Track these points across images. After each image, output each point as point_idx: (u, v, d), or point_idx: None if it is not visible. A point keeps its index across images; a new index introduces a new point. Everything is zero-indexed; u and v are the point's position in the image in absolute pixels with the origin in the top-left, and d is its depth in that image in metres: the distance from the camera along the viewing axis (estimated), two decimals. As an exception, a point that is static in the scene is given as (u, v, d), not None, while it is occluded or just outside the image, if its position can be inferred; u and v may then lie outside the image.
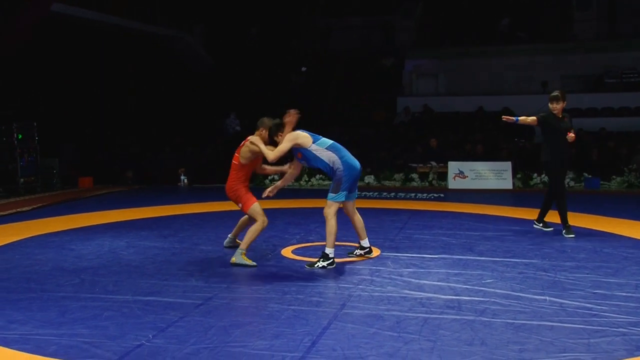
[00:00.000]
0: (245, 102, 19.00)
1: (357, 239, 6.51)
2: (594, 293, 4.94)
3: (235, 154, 6.39)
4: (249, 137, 6.34)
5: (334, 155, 5.93)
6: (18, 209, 10.43)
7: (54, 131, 15.24)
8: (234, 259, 6.13)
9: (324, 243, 7.07)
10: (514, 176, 13.93)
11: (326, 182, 14.40)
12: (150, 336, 4.01)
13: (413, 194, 12.68)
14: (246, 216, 6.64)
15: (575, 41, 19.57)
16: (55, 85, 16.57)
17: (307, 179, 14.79)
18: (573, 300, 4.72)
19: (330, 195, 5.96)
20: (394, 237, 7.56)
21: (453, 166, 14.08)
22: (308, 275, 5.64)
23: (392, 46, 21.40)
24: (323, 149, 5.95)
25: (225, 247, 6.94)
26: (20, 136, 13.04)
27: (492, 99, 18.37)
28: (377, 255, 6.49)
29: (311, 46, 21.78)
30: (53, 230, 8.31)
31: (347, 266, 6.02)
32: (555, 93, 7.68)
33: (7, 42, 13.24)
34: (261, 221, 6.20)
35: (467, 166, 14.06)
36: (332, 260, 5.96)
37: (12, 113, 13.42)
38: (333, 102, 19.28)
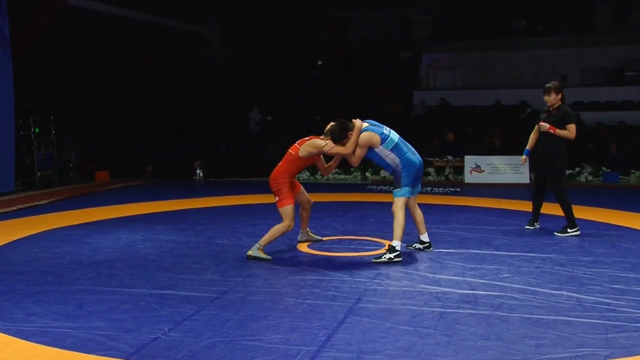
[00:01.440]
0: (263, 96, 19.04)
1: (369, 232, 6.50)
2: (612, 288, 4.89)
3: (295, 145, 6.28)
4: (313, 137, 6.29)
5: (396, 157, 6.04)
6: (35, 203, 10.54)
7: (71, 124, 15.39)
8: (250, 252, 6.14)
9: (340, 237, 7.11)
10: (531, 170, 13.83)
11: (342, 176, 14.40)
12: (167, 329, 4.04)
13: (429, 188, 12.63)
14: (301, 208, 6.69)
15: (595, 34, 19.34)
16: (73, 79, 16.72)
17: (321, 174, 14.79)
18: (590, 295, 4.69)
19: (395, 192, 6.08)
20: (409, 231, 7.52)
21: (469, 160, 14.00)
22: (323, 269, 5.65)
23: (410, 39, 21.32)
24: (388, 150, 6.03)
25: (300, 241, 6.85)
26: (37, 130, 13.18)
27: (510, 92, 18.25)
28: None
29: (329, 39, 21.74)
30: (70, 223, 8.40)
31: (363, 260, 6.02)
32: (547, 85, 7.40)
33: (25, 36, 13.37)
34: (287, 224, 6.11)
35: (483, 160, 13.98)
36: (398, 252, 5.97)
37: (29, 107, 13.56)
38: (350, 95, 19.25)
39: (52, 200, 10.96)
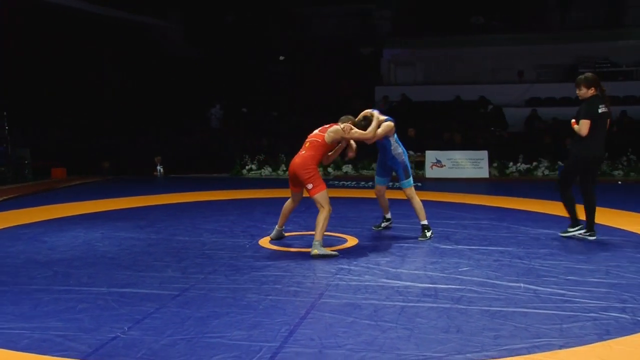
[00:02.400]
0: (224, 92, 18.90)
1: (330, 228, 6.68)
2: (567, 279, 5.02)
3: (319, 133, 6.30)
4: (332, 124, 6.39)
5: (399, 147, 6.87)
6: (-10, 201, 10.27)
7: (26, 120, 15.00)
8: (315, 251, 5.97)
9: (302, 233, 7.11)
10: (490, 165, 14.07)
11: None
12: (126, 328, 3.98)
13: (391, 183, 12.70)
14: (288, 203, 6.63)
15: (549, 31, 19.76)
16: (28, 73, 16.28)
17: (284, 169, 14.77)
18: (546, 287, 4.79)
19: (405, 182, 6.87)
20: (371, 226, 7.59)
21: (430, 155, 14.18)
22: (286, 265, 5.64)
23: (370, 35, 21.41)
24: (396, 142, 6.83)
25: (272, 239, 6.74)
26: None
27: (469, 88, 18.52)
28: (355, 245, 6.51)
29: (289, 35, 21.70)
30: (25, 222, 8.19)
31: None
32: (578, 77, 6.82)
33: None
34: (328, 209, 6.09)
35: (444, 155, 14.17)
36: (431, 230, 6.88)
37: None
38: (311, 90, 19.25)
39: (5, 197, 10.67)
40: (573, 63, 18.95)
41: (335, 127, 6.34)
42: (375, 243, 6.55)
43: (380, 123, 6.58)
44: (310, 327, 3.96)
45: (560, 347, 3.60)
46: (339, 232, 7.16)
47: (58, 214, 8.81)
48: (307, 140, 6.36)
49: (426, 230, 6.83)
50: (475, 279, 5.08)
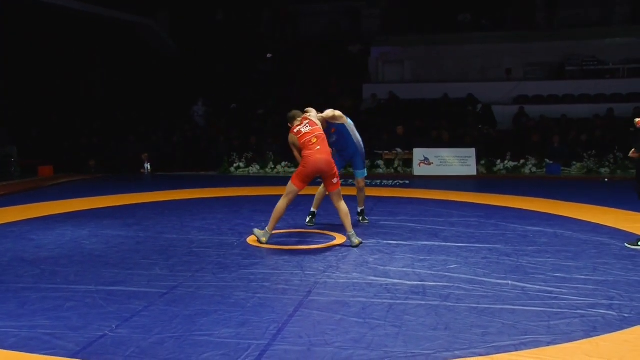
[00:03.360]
0: (212, 89, 18.83)
1: (319, 225, 7.27)
2: (555, 276, 5.05)
3: (317, 128, 6.33)
4: (309, 112, 6.53)
5: (356, 132, 7.16)
6: (-25, 199, 10.17)
7: (13, 118, 14.88)
8: (356, 241, 6.23)
9: (289, 230, 7.11)
10: (477, 163, 14.12)
11: (292, 170, 14.38)
12: (114, 326, 3.96)
13: (379, 181, 12.75)
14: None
15: (537, 29, 19.85)
16: (16, 71, 16.15)
17: (272, 166, 14.75)
18: (534, 284, 4.82)
19: (361, 172, 7.35)
20: (359, 223, 7.60)
21: (418, 153, 14.20)
22: (274, 263, 5.64)
23: (358, 33, 21.40)
24: (352, 126, 7.10)
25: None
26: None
27: (457, 86, 18.55)
28: (343, 242, 6.52)
29: (278, 33, 21.65)
30: (11, 220, 8.12)
31: (313, 253, 6.04)
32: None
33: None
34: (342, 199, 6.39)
35: (432, 153, 14.20)
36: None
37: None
38: (300, 89, 19.23)
39: (-8, 195, 10.58)
40: (561, 61, 19.04)
41: (313, 115, 6.50)
42: (363, 241, 6.55)
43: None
44: (299, 325, 3.96)
45: (548, 344, 3.63)
46: (326, 230, 7.16)
47: (45, 212, 8.74)
48: (309, 134, 6.27)
49: (362, 215, 7.58)
50: (463, 276, 5.10)
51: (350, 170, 7.53)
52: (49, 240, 6.76)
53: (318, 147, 6.20)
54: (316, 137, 6.26)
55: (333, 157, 6.79)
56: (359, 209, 7.60)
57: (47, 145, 15.69)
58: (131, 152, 15.14)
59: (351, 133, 7.11)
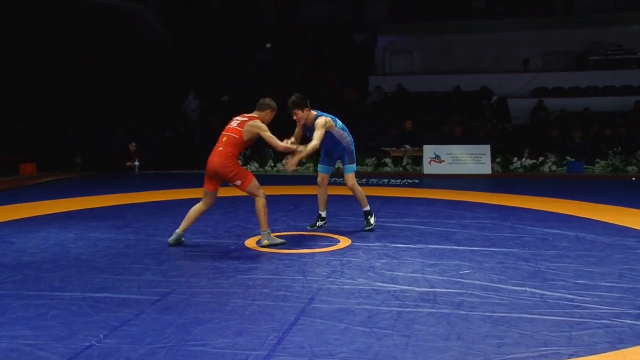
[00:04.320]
0: (205, 81, 18.83)
1: (322, 228, 7.28)
2: (576, 283, 5.04)
3: (237, 128, 6.37)
4: (253, 116, 6.45)
5: (345, 133, 7.10)
6: (-47, 199, 10.19)
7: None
8: (265, 242, 6.41)
9: (291, 233, 7.12)
10: (493, 160, 14.12)
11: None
12: (102, 336, 3.96)
13: (386, 180, 12.75)
14: (197, 207, 6.60)
15: (557, 16, 19.78)
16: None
17: (272, 164, 14.76)
18: (554, 291, 4.81)
19: (350, 167, 7.17)
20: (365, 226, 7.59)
21: (428, 150, 14.20)
22: (274, 268, 5.64)
23: (363, 21, 21.38)
24: (341, 130, 7.04)
25: (170, 244, 6.56)
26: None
27: (470, 77, 18.55)
28: (348, 246, 6.52)
29: (277, 21, 21.64)
30: (-8, 221, 8.15)
31: (316, 257, 6.04)
32: None
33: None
34: (262, 195, 6.46)
35: (443, 150, 14.20)
36: (374, 215, 7.41)
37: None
38: (300, 81, 19.23)
39: (-29, 195, 10.61)
40: (583, 50, 19.01)
41: (254, 121, 6.40)
42: (370, 244, 6.56)
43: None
44: (300, 334, 3.96)
45: (569, 356, 3.62)
46: (330, 233, 7.17)
47: (27, 213, 8.76)
48: (223, 133, 6.46)
49: (369, 217, 7.29)
50: (477, 282, 5.10)
51: (341, 168, 7.45)
52: (32, 244, 6.77)
53: (220, 149, 6.34)
54: (226, 137, 6.39)
55: (323, 161, 7.12)
56: (364, 210, 7.36)
57: (30, 141, 15.71)
58: (119, 148, 15.17)
59: (338, 137, 7.03)
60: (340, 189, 11.15)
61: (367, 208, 7.32)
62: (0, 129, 15.10)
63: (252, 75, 19.65)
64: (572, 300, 4.60)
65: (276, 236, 6.64)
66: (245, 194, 6.59)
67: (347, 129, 7.16)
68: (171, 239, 6.62)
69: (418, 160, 14.47)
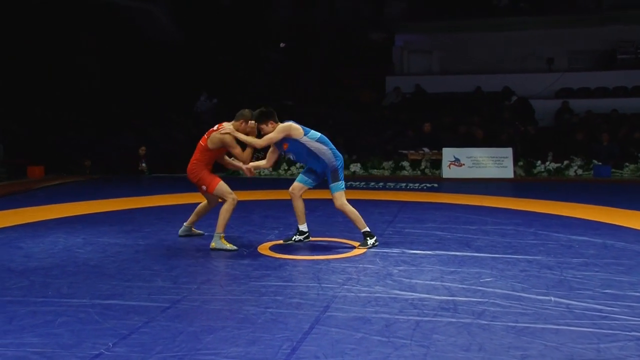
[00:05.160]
0: (217, 81, 18.89)
1: (337, 233, 7.16)
2: (604, 293, 4.99)
3: (204, 136, 6.77)
4: (223, 123, 6.73)
5: (323, 146, 6.61)
6: (-41, 202, 10.30)
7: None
8: (213, 244, 6.54)
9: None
10: (515, 164, 14.05)
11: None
12: (111, 344, 3.98)
13: (404, 184, 12.73)
14: (204, 203, 7.14)
15: (583, 13, 19.61)
16: (0, 62, 16.32)
17: (286, 168, 14.78)
18: (581, 301, 4.77)
19: (334, 186, 6.66)
20: (382, 231, 7.58)
21: (448, 153, 14.16)
22: (288, 275, 5.64)
23: (381, 19, 21.38)
24: (313, 140, 6.58)
25: (180, 235, 7.33)
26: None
27: (492, 78, 18.48)
28: (364, 252, 6.51)
29: (292, 19, 21.68)
30: (-1, 225, 8.23)
31: (331, 264, 6.04)
32: None
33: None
34: (231, 199, 6.67)
35: (463, 153, 14.15)
36: (375, 237, 6.78)
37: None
38: (316, 81, 19.26)
39: (-23, 199, 10.71)
40: (610, 48, 18.86)
41: (221, 130, 6.67)
42: (387, 250, 6.54)
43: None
44: (315, 344, 3.96)
45: (596, 368, 3.59)
46: (345, 239, 7.16)
47: (35, 218, 8.83)
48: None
49: (368, 238, 6.72)
50: (498, 291, 5.07)
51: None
52: (40, 249, 6.82)
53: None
54: (198, 144, 6.82)
55: (303, 172, 6.94)
56: (362, 232, 6.78)
57: (38, 143, 15.83)
58: (129, 151, 15.27)
59: (314, 149, 6.57)
60: (355, 193, 11.14)
61: (366, 229, 6.74)
62: (8, 131, 15.23)
63: (267, 75, 19.70)
64: (600, 310, 4.56)
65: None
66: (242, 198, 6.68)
67: (330, 144, 6.66)
68: (181, 230, 7.36)
69: (437, 164, 14.43)
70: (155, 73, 19.32)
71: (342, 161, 6.79)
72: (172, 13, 20.73)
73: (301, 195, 6.88)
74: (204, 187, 6.77)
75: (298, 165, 14.66)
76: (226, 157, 7.06)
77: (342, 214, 6.86)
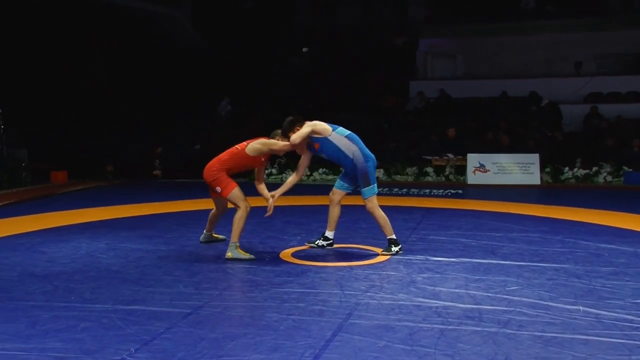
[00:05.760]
0: (239, 87, 18.98)
1: (360, 240, 7.10)
2: (635, 303, 4.93)
3: (243, 143, 6.69)
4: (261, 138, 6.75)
5: (353, 145, 6.57)
6: (-17, 207, 10.45)
7: (22, 118, 15.22)
8: (229, 254, 6.48)
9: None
10: (542, 170, 13.93)
11: (330, 177, 14.41)
12: (133, 350, 4.01)
13: (428, 190, 12.68)
14: (213, 211, 7.15)
15: (613, 15, 19.41)
16: (22, 68, 16.54)
17: (309, 173, 14.80)
18: (611, 311, 4.72)
19: (365, 191, 6.62)
20: (406, 238, 7.56)
21: (473, 159, 14.08)
22: (310, 282, 5.65)
23: (404, 22, 21.34)
24: (342, 137, 6.56)
25: (202, 242, 7.37)
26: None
27: (518, 82, 18.34)
28: (388, 259, 6.50)
29: (314, 23, 21.73)
30: (22, 231, 8.32)
31: (354, 271, 6.03)
32: None
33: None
34: (244, 207, 6.59)
35: (488, 159, 14.06)
36: (400, 245, 6.73)
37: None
38: (338, 86, 19.26)
39: (1, 204, 10.85)
40: (640, 52, 18.64)
41: (264, 139, 6.69)
42: (410, 257, 6.53)
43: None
44: (338, 351, 3.96)
45: (626, 379, 3.55)
46: (369, 245, 7.15)
47: (58, 223, 8.93)
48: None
49: (392, 245, 6.70)
50: (525, 299, 5.03)
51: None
52: (62, 254, 6.90)
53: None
54: (233, 147, 6.81)
55: (341, 177, 6.92)
56: (387, 238, 6.77)
57: (61, 149, 16.01)
58: (147, 155, 15.41)
59: (342, 146, 6.56)
60: (378, 199, 11.11)
61: (392, 236, 6.73)
62: (32, 136, 15.42)
63: (289, 79, 19.75)
64: (630, 321, 4.50)
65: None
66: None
67: (361, 144, 6.62)
68: (202, 237, 7.42)
69: (461, 170, 14.35)
70: (178, 78, 19.46)
71: (374, 162, 6.71)
72: (195, 18, 20.89)
73: (340, 202, 6.93)
74: (218, 189, 6.66)
75: (321, 170, 14.68)
76: (257, 184, 7.03)
77: (366, 220, 6.84)
